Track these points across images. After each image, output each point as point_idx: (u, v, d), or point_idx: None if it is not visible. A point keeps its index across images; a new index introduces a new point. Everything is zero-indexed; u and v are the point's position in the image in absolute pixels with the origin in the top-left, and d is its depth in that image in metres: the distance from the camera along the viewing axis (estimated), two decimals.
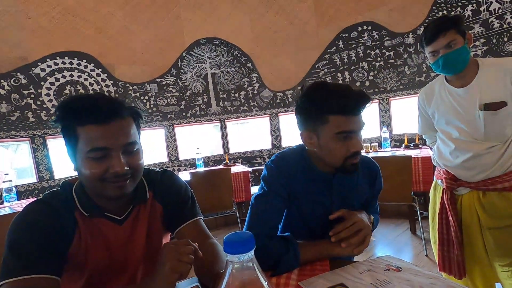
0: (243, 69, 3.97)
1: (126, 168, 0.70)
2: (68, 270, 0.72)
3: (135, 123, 0.75)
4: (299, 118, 0.91)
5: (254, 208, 0.91)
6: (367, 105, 0.82)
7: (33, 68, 3.03)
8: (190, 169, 3.70)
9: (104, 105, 0.68)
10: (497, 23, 2.81)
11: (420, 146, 2.97)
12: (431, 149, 1.56)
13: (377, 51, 3.47)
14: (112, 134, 0.68)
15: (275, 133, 4.00)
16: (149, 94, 3.67)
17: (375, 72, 3.51)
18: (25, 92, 2.99)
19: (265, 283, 0.36)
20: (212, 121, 3.94)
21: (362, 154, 0.95)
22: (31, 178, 3.06)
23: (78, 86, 3.28)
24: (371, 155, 2.84)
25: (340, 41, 3.65)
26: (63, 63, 3.20)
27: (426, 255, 2.33)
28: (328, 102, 0.81)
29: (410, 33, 3.26)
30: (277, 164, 0.94)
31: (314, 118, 0.85)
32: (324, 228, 0.94)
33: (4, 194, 2.46)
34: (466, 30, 1.20)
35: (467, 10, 2.94)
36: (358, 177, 0.97)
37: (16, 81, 2.95)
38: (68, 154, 0.74)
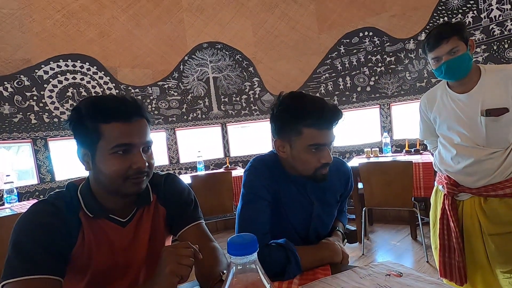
0: (244, 73, 3.99)
1: (146, 164, 0.73)
2: (71, 271, 0.73)
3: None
4: (274, 126, 0.94)
5: (242, 217, 0.91)
6: (340, 119, 0.87)
7: (36, 71, 3.05)
8: (191, 172, 3.70)
9: (129, 104, 0.72)
10: (498, 30, 2.82)
11: (421, 151, 2.97)
12: (432, 154, 1.56)
13: (378, 56, 3.49)
14: (135, 132, 0.72)
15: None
16: (151, 97, 3.68)
17: (376, 78, 3.53)
18: (28, 94, 3.01)
19: (267, 285, 0.36)
20: (213, 124, 3.95)
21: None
22: (32, 179, 3.06)
23: (80, 88, 3.29)
24: (372, 160, 2.84)
25: (342, 46, 3.67)
26: (66, 65, 3.22)
27: (427, 261, 2.32)
28: (303, 115, 0.84)
29: (411, 39, 3.27)
30: (256, 168, 0.96)
31: (288, 128, 0.88)
32: (308, 228, 0.99)
33: (5, 196, 2.46)
34: (469, 37, 1.21)
35: (468, 17, 2.96)
36: (332, 176, 1.00)
37: (19, 83, 2.97)
38: (79, 154, 0.75)
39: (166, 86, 3.75)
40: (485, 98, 1.19)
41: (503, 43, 2.81)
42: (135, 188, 0.74)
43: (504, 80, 1.17)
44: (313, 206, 0.98)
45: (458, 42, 1.18)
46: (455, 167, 1.30)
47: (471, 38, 1.23)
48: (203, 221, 0.91)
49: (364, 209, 2.62)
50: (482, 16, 2.89)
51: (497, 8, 2.81)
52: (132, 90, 3.59)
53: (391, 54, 3.41)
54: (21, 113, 2.97)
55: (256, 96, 4.00)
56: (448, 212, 1.33)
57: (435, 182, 1.49)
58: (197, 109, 3.89)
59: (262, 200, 0.91)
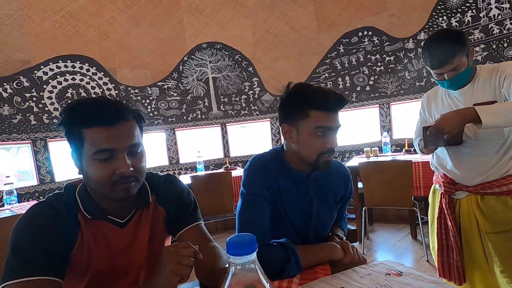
0: (244, 73, 3.99)
1: (131, 169, 0.71)
2: (70, 272, 0.73)
3: (138, 126, 0.76)
4: (282, 113, 0.97)
5: (242, 217, 0.91)
6: (345, 104, 0.91)
7: (35, 71, 3.05)
8: (191, 173, 3.70)
9: (109, 108, 0.70)
10: (497, 29, 2.82)
11: None
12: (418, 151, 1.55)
13: (378, 56, 3.49)
14: (117, 136, 0.69)
15: (276, 137, 4.01)
16: (151, 98, 3.68)
17: (376, 77, 3.53)
18: (27, 95, 3.01)
19: (267, 285, 0.36)
20: (213, 124, 3.95)
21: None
22: (32, 180, 3.06)
23: (80, 89, 3.29)
24: (372, 159, 2.84)
25: (341, 46, 3.67)
26: (66, 66, 3.22)
27: (427, 261, 2.32)
28: (310, 98, 0.88)
29: (411, 39, 3.28)
30: (255, 166, 0.97)
31: (296, 112, 0.92)
32: (307, 227, 0.99)
33: (5, 197, 2.46)
34: (470, 47, 1.22)
35: (466, 16, 2.96)
36: (332, 176, 1.02)
37: (19, 84, 2.97)
38: (73, 157, 0.75)
39: (165, 86, 3.75)
40: (477, 93, 1.22)
41: (502, 42, 2.81)
42: (123, 194, 0.72)
43: (494, 75, 1.20)
44: (312, 204, 0.98)
45: (460, 58, 1.18)
46: (451, 163, 1.31)
47: (472, 47, 1.24)
48: (202, 222, 0.91)
49: (364, 208, 2.62)
50: (481, 15, 2.89)
51: (496, 7, 2.81)
52: (132, 91, 3.59)
53: (390, 53, 3.42)
54: (20, 114, 2.97)
55: (256, 96, 4.00)
56: (446, 211, 1.34)
57: (433, 182, 1.49)
58: (197, 110, 3.89)
59: (261, 199, 0.91)
